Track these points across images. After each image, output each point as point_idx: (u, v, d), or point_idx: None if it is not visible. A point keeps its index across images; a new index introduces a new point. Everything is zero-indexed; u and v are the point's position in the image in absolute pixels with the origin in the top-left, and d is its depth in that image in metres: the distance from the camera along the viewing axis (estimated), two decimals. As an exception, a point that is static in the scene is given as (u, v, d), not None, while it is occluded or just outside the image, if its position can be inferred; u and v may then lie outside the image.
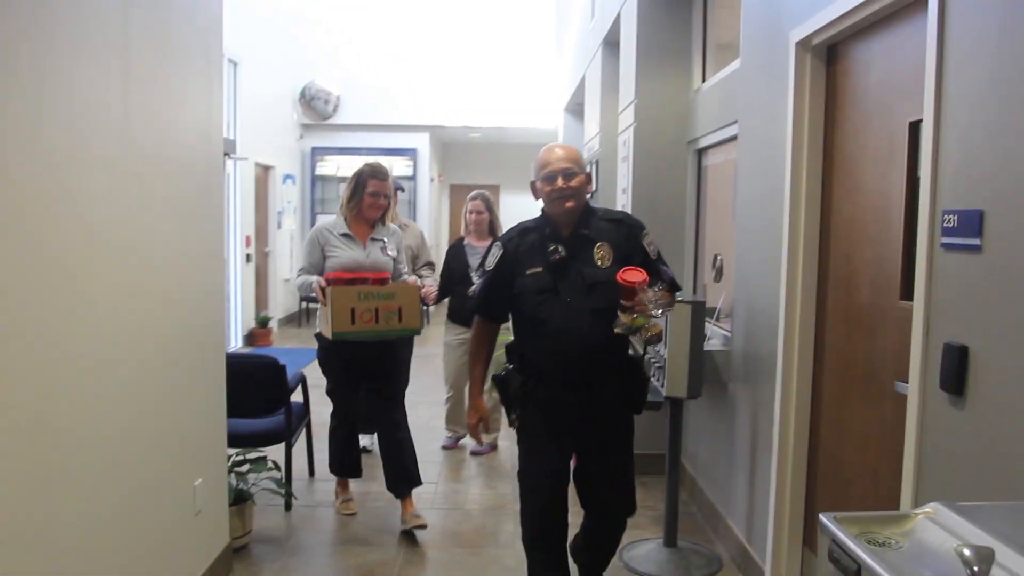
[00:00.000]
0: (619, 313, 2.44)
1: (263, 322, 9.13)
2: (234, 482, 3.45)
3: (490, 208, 4.88)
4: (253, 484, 3.57)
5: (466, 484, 4.52)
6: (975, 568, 1.04)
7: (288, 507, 3.98)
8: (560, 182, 2.57)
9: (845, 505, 2.59)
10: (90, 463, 2.16)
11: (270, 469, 3.64)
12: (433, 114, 11.77)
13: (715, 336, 3.86)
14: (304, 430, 4.37)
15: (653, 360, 3.45)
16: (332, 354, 3.80)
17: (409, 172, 11.86)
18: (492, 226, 4.85)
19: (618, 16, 5.25)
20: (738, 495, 3.44)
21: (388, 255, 3.87)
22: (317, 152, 11.84)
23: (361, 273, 3.62)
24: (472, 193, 4.97)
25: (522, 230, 2.69)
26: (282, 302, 10.71)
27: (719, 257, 4.05)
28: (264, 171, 10.09)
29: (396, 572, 3.36)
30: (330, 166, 11.89)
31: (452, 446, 5.15)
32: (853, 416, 2.58)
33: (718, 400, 3.71)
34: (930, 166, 1.95)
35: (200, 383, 2.98)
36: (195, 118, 2.90)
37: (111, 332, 2.27)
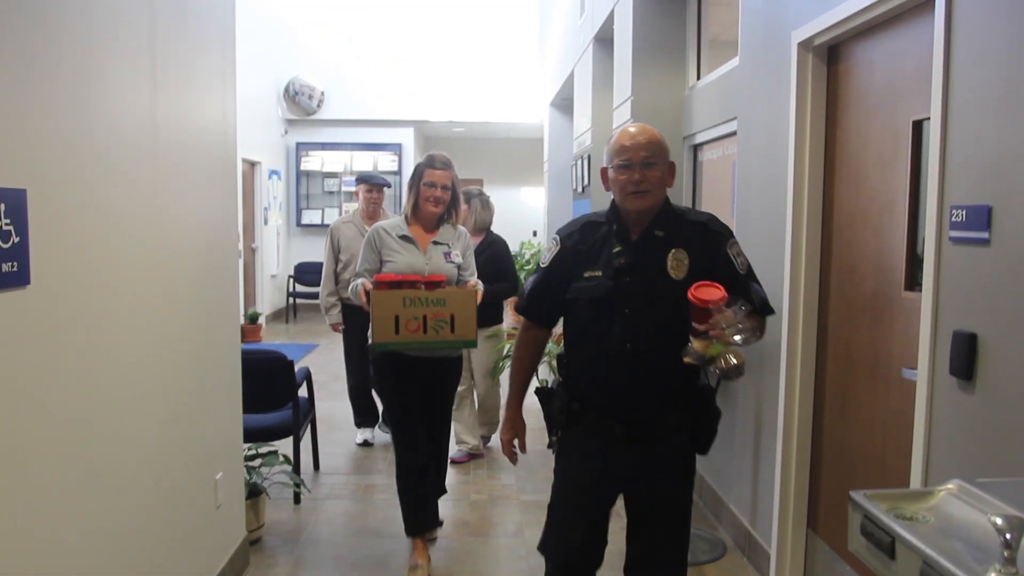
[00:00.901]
0: (691, 338, 2.02)
1: (252, 318, 9.12)
2: (247, 476, 3.50)
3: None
4: (265, 478, 3.62)
5: (471, 475, 4.59)
6: (1008, 536, 1.10)
7: (297, 500, 4.03)
8: (637, 173, 2.14)
9: (851, 488, 2.68)
10: (124, 460, 2.20)
11: (282, 463, 3.69)
12: (418, 109, 11.79)
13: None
14: (309, 424, 4.42)
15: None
16: (386, 369, 3.27)
17: (394, 167, 11.87)
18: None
19: (611, 13, 5.33)
20: (741, 481, 3.54)
21: (452, 262, 3.30)
22: (302, 148, 11.81)
23: (412, 276, 3.14)
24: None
25: (585, 224, 2.28)
26: (269, 298, 10.72)
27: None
28: (250, 167, 10.07)
29: (409, 561, 3.43)
30: (315, 161, 11.88)
31: (464, 460, 4.79)
32: (859, 402, 2.68)
33: (721, 388, 3.80)
34: (937, 163, 2.05)
35: (219, 377, 3.02)
36: (213, 109, 2.94)
37: (142, 329, 2.32)
